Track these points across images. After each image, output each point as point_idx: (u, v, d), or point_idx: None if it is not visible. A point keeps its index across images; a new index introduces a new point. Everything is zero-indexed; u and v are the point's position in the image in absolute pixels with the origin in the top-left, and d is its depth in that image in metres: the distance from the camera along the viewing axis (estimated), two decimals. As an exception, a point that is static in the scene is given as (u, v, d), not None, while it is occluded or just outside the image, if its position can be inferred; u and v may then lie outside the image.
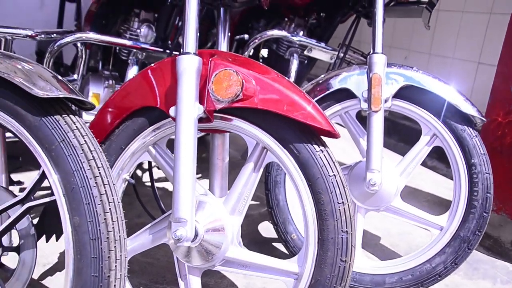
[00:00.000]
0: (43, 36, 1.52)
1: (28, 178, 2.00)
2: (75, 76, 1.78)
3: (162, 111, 1.17)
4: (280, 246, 1.90)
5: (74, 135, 0.90)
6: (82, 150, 0.88)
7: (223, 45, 1.32)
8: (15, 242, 1.09)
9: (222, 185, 1.28)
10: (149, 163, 1.44)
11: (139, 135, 1.23)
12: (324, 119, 1.08)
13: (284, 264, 1.17)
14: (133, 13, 1.70)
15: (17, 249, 1.07)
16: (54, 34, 1.56)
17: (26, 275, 1.07)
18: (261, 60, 2.09)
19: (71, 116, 0.93)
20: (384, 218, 2.13)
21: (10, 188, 1.14)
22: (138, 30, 1.65)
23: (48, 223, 1.14)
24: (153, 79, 1.19)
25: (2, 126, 0.98)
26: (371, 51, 1.55)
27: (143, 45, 1.57)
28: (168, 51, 1.60)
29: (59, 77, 0.99)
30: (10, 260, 1.14)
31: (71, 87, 0.95)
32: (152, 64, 1.23)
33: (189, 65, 1.08)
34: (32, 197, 0.97)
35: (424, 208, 1.79)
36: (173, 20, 1.56)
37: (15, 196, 1.05)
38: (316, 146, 1.09)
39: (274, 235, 1.78)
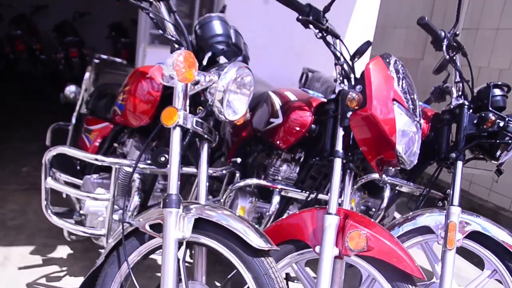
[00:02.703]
0: (217, 173, 2.18)
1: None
2: None
3: (307, 244, 1.80)
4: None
5: (272, 271, 1.53)
6: (277, 282, 1.52)
7: (346, 202, 1.92)
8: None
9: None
10: (287, 274, 2.06)
11: (287, 256, 1.86)
12: (417, 269, 1.66)
13: None
14: (276, 152, 2.37)
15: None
16: (224, 171, 2.24)
17: None
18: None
19: (269, 258, 1.57)
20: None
21: None
22: (281, 168, 2.30)
23: None
24: (303, 221, 1.83)
25: (208, 247, 1.64)
26: (450, 202, 2.11)
27: (289, 188, 2.22)
28: (305, 191, 2.25)
29: (257, 227, 1.64)
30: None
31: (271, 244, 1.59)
32: (303, 210, 1.88)
33: (331, 223, 1.71)
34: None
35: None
36: (311, 171, 2.23)
37: None
38: (410, 285, 1.67)
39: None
